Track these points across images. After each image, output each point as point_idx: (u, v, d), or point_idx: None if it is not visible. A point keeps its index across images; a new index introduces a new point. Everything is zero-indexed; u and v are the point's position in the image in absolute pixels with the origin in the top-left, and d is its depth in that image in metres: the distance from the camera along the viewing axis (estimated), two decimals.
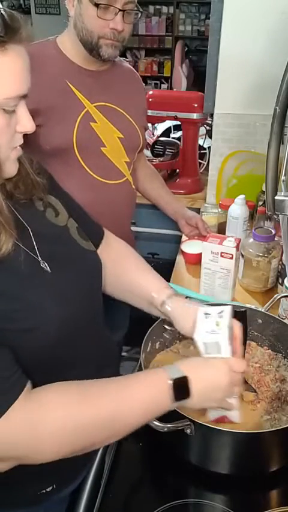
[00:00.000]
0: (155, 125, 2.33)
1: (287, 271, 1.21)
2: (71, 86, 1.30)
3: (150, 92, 1.99)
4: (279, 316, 1.18)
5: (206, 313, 0.85)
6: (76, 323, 0.80)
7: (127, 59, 5.22)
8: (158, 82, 5.80)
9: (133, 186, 1.48)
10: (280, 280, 1.32)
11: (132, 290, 1.00)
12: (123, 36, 1.27)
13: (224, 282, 1.28)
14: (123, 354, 1.77)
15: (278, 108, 0.93)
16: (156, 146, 2.11)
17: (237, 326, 0.83)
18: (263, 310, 1.10)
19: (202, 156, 2.20)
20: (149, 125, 2.04)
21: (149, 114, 1.81)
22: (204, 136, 2.20)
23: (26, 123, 0.69)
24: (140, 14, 1.30)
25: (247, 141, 1.81)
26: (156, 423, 0.78)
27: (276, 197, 0.92)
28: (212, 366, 0.79)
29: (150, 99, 1.92)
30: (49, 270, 0.77)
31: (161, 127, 2.35)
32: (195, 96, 1.95)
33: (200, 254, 1.31)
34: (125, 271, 1.01)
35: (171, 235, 1.93)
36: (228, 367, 0.78)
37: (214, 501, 0.83)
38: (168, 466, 0.90)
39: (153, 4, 5.69)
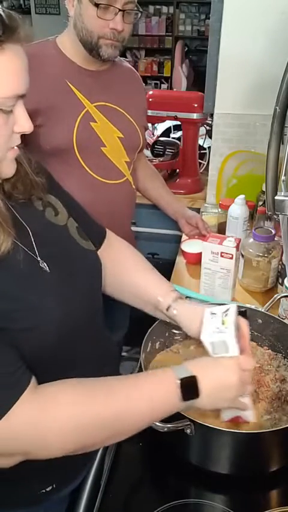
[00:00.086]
0: (155, 125, 2.33)
1: (287, 271, 1.21)
2: (71, 86, 1.30)
3: (150, 92, 1.99)
4: (279, 316, 1.18)
5: (212, 313, 0.85)
6: (76, 323, 0.80)
7: (127, 59, 5.21)
8: (158, 82, 5.80)
9: (133, 186, 1.48)
10: (280, 280, 1.32)
11: (135, 293, 0.99)
12: (123, 36, 1.27)
13: (224, 282, 1.28)
14: (123, 354, 1.78)
15: (278, 108, 0.93)
16: (156, 146, 2.11)
17: (245, 324, 0.83)
18: (263, 310, 1.10)
19: (202, 156, 2.20)
20: (149, 124, 2.04)
21: (149, 114, 1.81)
22: (204, 136, 2.20)
23: (23, 124, 0.69)
24: (140, 14, 1.30)
25: (247, 141, 1.81)
26: (156, 423, 0.77)
27: (276, 197, 0.92)
28: (220, 365, 0.78)
29: (150, 99, 1.92)
30: (48, 269, 0.77)
31: (161, 127, 2.35)
32: (195, 96, 1.95)
33: (200, 253, 1.31)
34: (126, 272, 1.01)
35: (171, 235, 1.93)
36: (237, 366, 0.77)
37: (214, 501, 0.83)
38: (168, 466, 0.90)
39: (153, 4, 5.70)
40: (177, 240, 1.75)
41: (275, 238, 1.34)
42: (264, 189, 1.62)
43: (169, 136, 2.24)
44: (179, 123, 2.09)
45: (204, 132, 2.19)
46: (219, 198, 1.91)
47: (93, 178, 1.35)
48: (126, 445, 0.91)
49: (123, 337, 1.64)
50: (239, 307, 0.90)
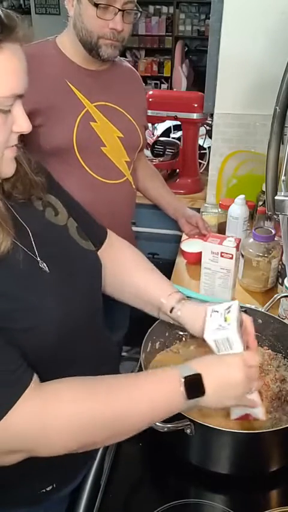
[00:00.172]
0: (155, 125, 2.33)
1: (287, 271, 1.21)
2: (71, 86, 1.30)
3: (150, 92, 1.99)
4: (279, 316, 1.18)
5: (214, 311, 0.84)
6: (76, 323, 0.80)
7: (127, 59, 5.22)
8: (158, 82, 5.80)
9: (133, 186, 1.48)
10: (280, 280, 1.32)
11: (136, 293, 0.99)
12: (123, 36, 1.27)
13: (224, 282, 1.28)
14: (123, 354, 1.77)
15: (278, 108, 0.93)
16: (156, 146, 2.11)
17: (249, 320, 0.82)
18: (263, 310, 1.10)
19: (202, 156, 2.20)
20: (149, 124, 2.04)
21: (149, 114, 1.81)
22: (204, 136, 2.20)
23: (22, 123, 0.69)
24: (139, 14, 1.30)
25: (247, 141, 1.81)
26: (157, 423, 0.77)
27: (276, 197, 0.92)
28: (224, 362, 0.77)
29: (150, 99, 1.92)
30: (47, 270, 0.77)
31: (161, 127, 2.35)
32: (195, 96, 1.95)
33: (200, 253, 1.31)
34: (126, 272, 1.01)
35: (171, 235, 1.93)
36: (242, 362, 0.76)
37: (214, 501, 0.83)
38: (168, 466, 0.90)
39: (153, 4, 5.70)
40: (177, 240, 1.75)
41: (275, 238, 1.34)
42: (264, 189, 1.62)
43: (169, 136, 2.24)
44: (179, 123, 2.09)
45: (204, 132, 2.19)
46: (219, 198, 1.91)
47: (93, 178, 1.35)
48: (126, 445, 0.91)
49: (123, 337, 1.64)
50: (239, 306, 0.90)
